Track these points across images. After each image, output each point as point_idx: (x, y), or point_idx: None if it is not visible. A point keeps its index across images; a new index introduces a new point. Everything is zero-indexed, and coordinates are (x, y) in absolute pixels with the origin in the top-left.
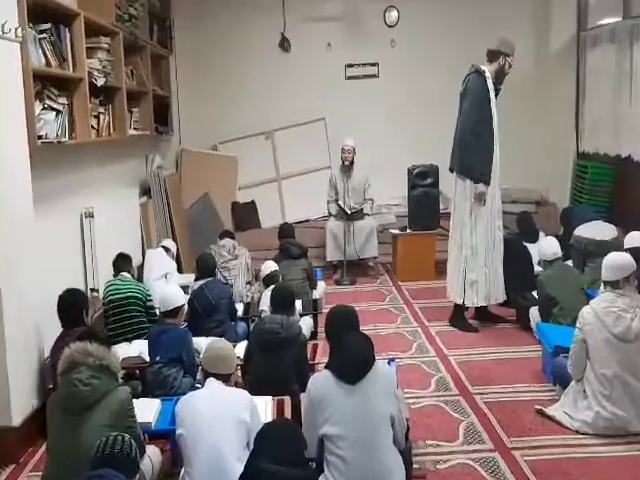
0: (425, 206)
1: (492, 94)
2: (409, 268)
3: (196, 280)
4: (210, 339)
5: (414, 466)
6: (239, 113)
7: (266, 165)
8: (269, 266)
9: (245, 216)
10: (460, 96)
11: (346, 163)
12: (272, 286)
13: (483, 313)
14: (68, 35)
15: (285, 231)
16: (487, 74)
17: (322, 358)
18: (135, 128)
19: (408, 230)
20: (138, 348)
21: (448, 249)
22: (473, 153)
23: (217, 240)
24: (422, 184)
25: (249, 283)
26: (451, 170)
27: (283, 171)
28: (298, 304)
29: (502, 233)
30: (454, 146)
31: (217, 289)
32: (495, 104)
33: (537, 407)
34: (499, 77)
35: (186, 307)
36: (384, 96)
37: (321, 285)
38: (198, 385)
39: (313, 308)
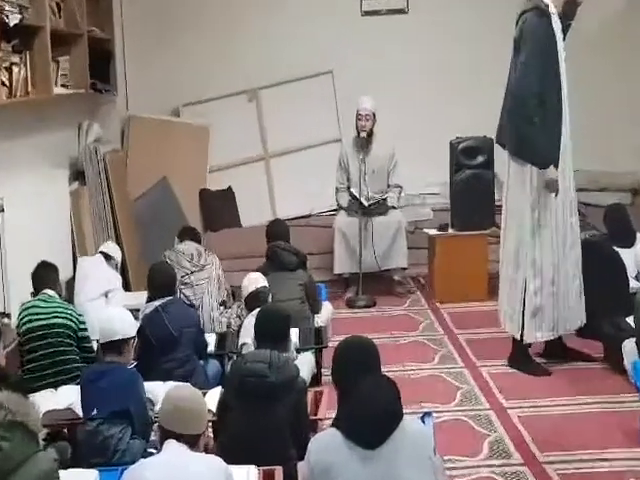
0: (475, 196)
1: (560, 40)
2: (452, 284)
3: (149, 301)
4: (170, 385)
5: None
6: (211, 64)
7: (249, 137)
8: (254, 280)
9: (219, 210)
10: (514, 43)
11: (362, 134)
12: (257, 310)
13: (555, 347)
14: None
15: (275, 231)
16: (552, 9)
17: (328, 412)
18: (63, 85)
19: (450, 230)
20: (67, 397)
21: (500, 261)
22: (536, 127)
23: (174, 243)
24: (471, 164)
25: (223, 305)
26: (502, 145)
27: (273, 146)
28: (294, 334)
29: (579, 233)
30: (504, 114)
31: (179, 314)
32: (563, 52)
33: None
34: (569, 9)
35: (136, 339)
36: (415, 40)
37: (327, 308)
38: (152, 450)
39: (315, 340)
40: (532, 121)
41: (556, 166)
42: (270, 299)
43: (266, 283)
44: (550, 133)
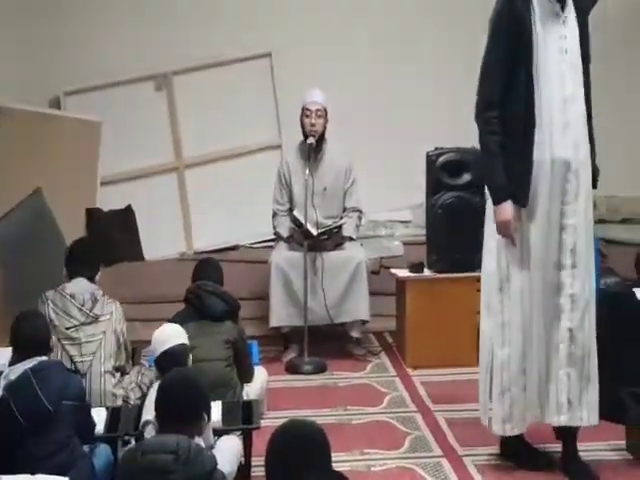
0: (459, 226)
1: (550, 26)
2: (428, 343)
3: (13, 363)
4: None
5: None
6: (105, 38)
7: (156, 139)
8: (169, 334)
9: (113, 237)
10: None
11: (311, 140)
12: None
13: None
14: None
15: (205, 271)
16: None
17: None
18: None
19: (426, 271)
20: None
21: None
22: (492, 147)
23: (62, 280)
24: (454, 184)
25: (120, 371)
26: None
27: (189, 152)
28: (215, 410)
29: (592, 282)
30: None
31: (57, 381)
32: (563, 34)
33: None
34: None
35: None
36: (383, 18)
37: (260, 374)
38: None
39: (244, 419)
40: (488, 138)
41: (521, 204)
42: (190, 360)
43: (186, 339)
44: (513, 154)
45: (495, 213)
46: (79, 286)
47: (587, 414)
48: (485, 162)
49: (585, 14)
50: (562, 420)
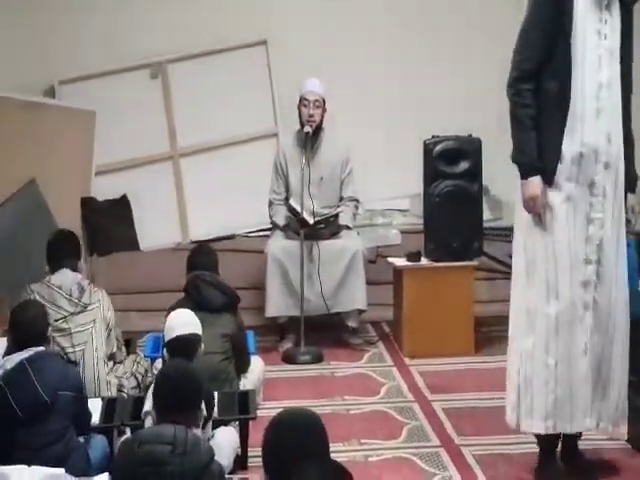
0: (456, 214)
1: (593, 5)
2: (426, 333)
3: (8, 353)
4: (36, 471)
5: None
6: (99, 26)
7: (152, 128)
8: (183, 320)
9: (108, 226)
10: None
11: (307, 128)
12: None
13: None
14: None
15: (199, 257)
16: None
17: None
18: None
19: (423, 260)
20: None
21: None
22: (523, 117)
23: (44, 271)
24: (451, 172)
25: (112, 359)
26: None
27: (184, 141)
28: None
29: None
30: None
31: (53, 371)
32: (604, 19)
33: None
34: None
35: None
36: (380, 3)
37: (256, 364)
38: None
39: (240, 409)
40: (520, 111)
41: (547, 182)
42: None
43: (199, 329)
44: (544, 130)
45: (522, 187)
46: (65, 277)
47: (607, 422)
48: (516, 135)
49: (628, 6)
50: (587, 426)
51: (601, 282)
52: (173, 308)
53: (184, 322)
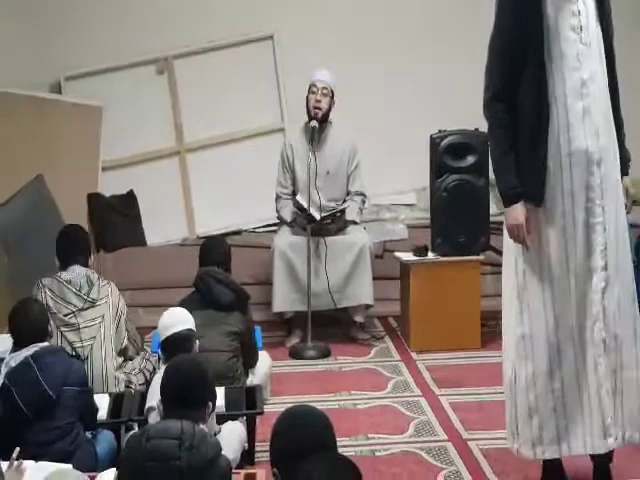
0: (463, 209)
1: (572, 6)
2: (433, 327)
3: (14, 350)
4: (44, 467)
5: None
6: (105, 22)
7: (158, 124)
8: (176, 318)
9: (115, 222)
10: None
11: (314, 123)
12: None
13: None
14: None
15: (209, 252)
16: None
17: None
18: None
19: (430, 254)
20: None
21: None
22: (498, 141)
23: (55, 267)
24: (458, 167)
25: (122, 355)
26: None
27: (191, 136)
28: (218, 396)
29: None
30: None
31: (58, 367)
32: (576, 10)
33: None
34: None
35: None
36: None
37: (263, 360)
38: None
39: (247, 404)
40: (496, 133)
41: (536, 202)
42: (197, 345)
43: (193, 325)
44: (525, 147)
45: (505, 215)
46: (75, 272)
47: (630, 432)
48: (494, 159)
49: None
50: (610, 444)
51: (609, 287)
52: (184, 302)
53: (178, 320)
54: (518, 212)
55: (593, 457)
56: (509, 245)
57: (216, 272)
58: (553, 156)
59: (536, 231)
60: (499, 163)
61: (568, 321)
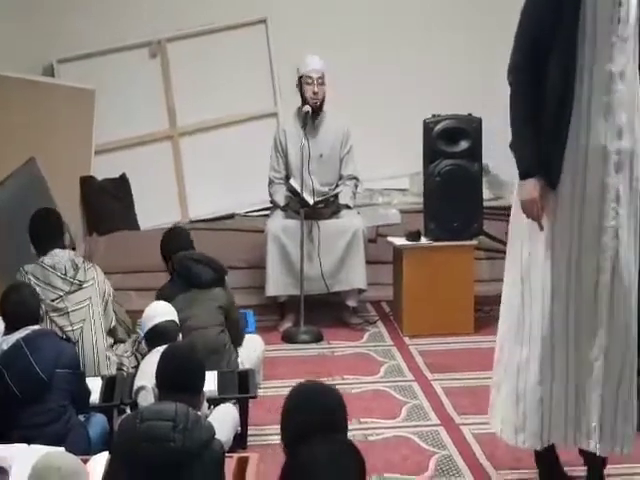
0: (456, 194)
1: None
2: (425, 312)
3: (6, 333)
4: (36, 450)
5: None
6: (97, 5)
7: (151, 107)
8: (158, 311)
9: (107, 205)
10: None
11: (307, 108)
12: (161, 348)
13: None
14: None
15: (175, 240)
16: None
17: None
18: None
19: (423, 239)
20: None
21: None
22: (521, 116)
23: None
24: (451, 152)
25: (112, 336)
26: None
27: (184, 120)
28: (211, 380)
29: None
30: None
31: (49, 350)
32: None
33: None
34: None
35: None
36: None
37: (256, 343)
38: None
39: (240, 389)
40: (517, 105)
41: (552, 185)
42: (180, 336)
43: (175, 316)
44: (545, 130)
45: (518, 190)
46: (58, 256)
47: (621, 445)
48: (514, 128)
49: None
50: (591, 446)
51: (616, 289)
52: (162, 291)
53: (162, 311)
54: (531, 187)
55: (587, 462)
56: (516, 229)
57: (192, 254)
58: (572, 144)
59: (547, 215)
60: (518, 132)
61: (569, 318)
